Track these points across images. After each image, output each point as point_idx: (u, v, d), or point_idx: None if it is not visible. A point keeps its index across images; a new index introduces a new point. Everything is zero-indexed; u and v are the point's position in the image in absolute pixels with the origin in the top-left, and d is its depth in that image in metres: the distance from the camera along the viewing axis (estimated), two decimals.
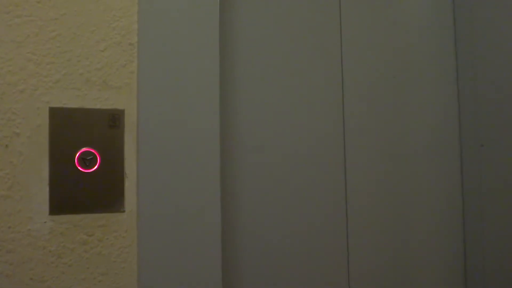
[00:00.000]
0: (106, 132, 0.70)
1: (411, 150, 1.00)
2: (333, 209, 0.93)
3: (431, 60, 1.03)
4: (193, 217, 0.73)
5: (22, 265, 0.65)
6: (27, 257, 0.66)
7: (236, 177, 0.86)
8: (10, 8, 0.67)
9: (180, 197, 0.72)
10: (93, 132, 0.70)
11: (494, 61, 0.94)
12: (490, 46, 0.95)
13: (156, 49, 0.72)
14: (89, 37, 0.70)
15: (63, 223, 0.68)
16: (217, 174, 0.75)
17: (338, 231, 0.94)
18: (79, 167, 0.69)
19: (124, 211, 0.71)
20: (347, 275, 0.93)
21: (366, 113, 0.97)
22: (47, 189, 0.67)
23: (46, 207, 0.67)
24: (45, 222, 0.67)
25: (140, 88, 0.71)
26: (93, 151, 0.69)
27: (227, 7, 0.86)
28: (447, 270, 1.02)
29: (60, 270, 0.67)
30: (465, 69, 1.01)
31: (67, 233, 0.68)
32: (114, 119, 0.70)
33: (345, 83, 0.96)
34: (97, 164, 0.69)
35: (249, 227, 0.87)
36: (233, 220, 0.85)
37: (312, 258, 0.91)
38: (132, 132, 0.72)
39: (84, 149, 0.69)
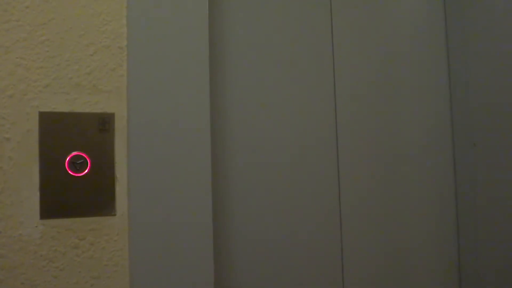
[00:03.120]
0: (96, 136, 0.70)
1: (405, 149, 1.00)
2: (327, 209, 0.93)
3: (423, 61, 1.03)
4: (184, 220, 0.73)
5: (14, 270, 0.65)
6: (18, 261, 0.66)
7: (227, 179, 0.86)
8: None
9: (172, 200, 0.72)
10: (83, 136, 0.70)
11: (486, 62, 0.94)
12: (481, 47, 0.95)
13: (146, 53, 0.72)
14: (78, 41, 0.70)
15: (54, 227, 0.68)
16: (208, 177, 0.75)
17: (332, 232, 0.93)
18: (69, 171, 0.69)
19: (115, 215, 0.71)
20: (342, 276, 0.93)
21: (358, 114, 0.97)
22: (37, 193, 0.67)
23: (37, 211, 0.67)
24: (36, 226, 0.67)
25: (130, 91, 0.71)
26: (83, 155, 0.70)
27: (216, 9, 0.86)
28: (441, 269, 1.01)
29: (52, 274, 0.67)
30: (457, 70, 1.01)
31: (58, 237, 0.68)
32: (104, 122, 0.70)
33: (337, 83, 0.96)
34: (88, 168, 0.70)
35: (241, 229, 0.86)
36: (225, 222, 0.85)
37: (306, 260, 0.91)
38: (122, 135, 0.72)
39: (74, 153, 0.69)
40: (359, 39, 0.98)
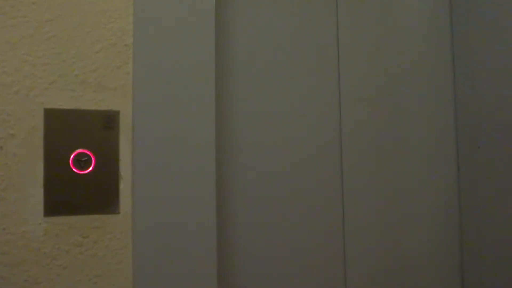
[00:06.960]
0: (101, 134, 0.70)
1: (409, 151, 1.00)
2: (330, 213, 0.93)
3: (428, 62, 1.03)
4: (188, 219, 0.73)
5: (17, 267, 0.65)
6: (21, 259, 0.65)
7: (231, 178, 0.86)
8: (5, 10, 0.66)
9: (175, 199, 0.72)
10: (88, 133, 0.69)
11: (491, 63, 0.94)
12: (487, 49, 0.95)
13: (152, 50, 0.72)
14: (84, 38, 0.70)
15: (58, 225, 0.67)
16: (212, 176, 0.74)
17: (335, 235, 0.93)
18: (74, 169, 0.68)
19: (119, 213, 0.70)
20: (344, 278, 0.93)
21: (362, 116, 0.97)
22: (41, 190, 0.67)
23: (40, 208, 0.67)
24: (39, 223, 0.67)
25: (135, 89, 0.71)
26: (88, 152, 0.69)
27: (222, 8, 0.86)
28: (444, 273, 1.01)
29: (55, 272, 0.67)
30: (462, 72, 1.01)
31: (62, 234, 0.67)
32: (109, 120, 0.70)
33: (341, 86, 0.95)
34: (92, 166, 0.69)
35: (245, 229, 0.86)
36: (228, 222, 0.85)
37: (309, 262, 0.91)
38: (127, 133, 0.71)
39: (79, 150, 0.69)
40: (365, 43, 0.98)
